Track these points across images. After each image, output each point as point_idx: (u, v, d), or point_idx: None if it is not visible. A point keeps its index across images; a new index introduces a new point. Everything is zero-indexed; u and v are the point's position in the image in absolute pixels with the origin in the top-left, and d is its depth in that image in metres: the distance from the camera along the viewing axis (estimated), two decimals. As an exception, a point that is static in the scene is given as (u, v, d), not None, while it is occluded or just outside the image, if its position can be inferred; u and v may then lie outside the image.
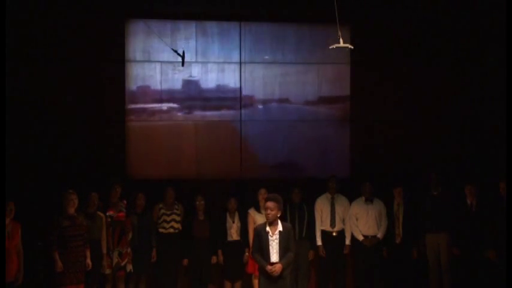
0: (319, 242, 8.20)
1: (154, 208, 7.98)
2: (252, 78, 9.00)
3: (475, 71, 8.87)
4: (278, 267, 5.99)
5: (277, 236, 6.06)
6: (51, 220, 7.00)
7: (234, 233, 8.03)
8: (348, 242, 8.24)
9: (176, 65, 8.64)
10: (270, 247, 6.04)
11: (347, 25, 8.56)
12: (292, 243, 6.23)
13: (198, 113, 8.94)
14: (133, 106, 8.84)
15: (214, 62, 8.96)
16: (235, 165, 8.91)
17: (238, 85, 8.97)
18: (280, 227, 6.09)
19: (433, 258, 8.03)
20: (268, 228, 6.08)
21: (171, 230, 7.93)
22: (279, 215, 6.13)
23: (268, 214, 6.06)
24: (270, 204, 6.07)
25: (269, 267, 5.99)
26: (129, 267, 7.64)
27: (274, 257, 6.03)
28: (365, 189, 8.25)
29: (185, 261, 7.98)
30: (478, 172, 8.37)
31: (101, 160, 8.46)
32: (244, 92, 8.99)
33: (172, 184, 8.13)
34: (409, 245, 8.09)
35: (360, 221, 8.19)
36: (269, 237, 6.05)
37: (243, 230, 8.03)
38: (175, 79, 8.90)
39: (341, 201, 8.31)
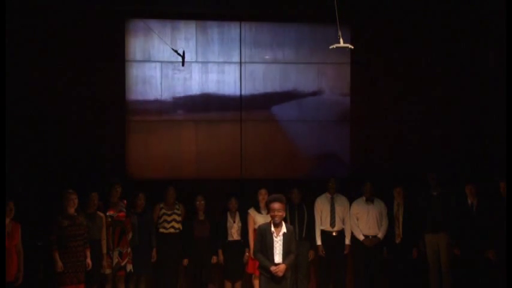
0: (318, 242, 8.21)
1: (155, 208, 7.98)
2: (252, 78, 9.00)
3: (475, 71, 8.87)
4: (282, 268, 6.00)
5: (281, 238, 6.06)
6: (51, 220, 7.00)
7: (234, 233, 8.03)
8: (347, 241, 8.25)
9: (176, 65, 8.64)
10: (274, 248, 6.04)
11: (347, 25, 8.57)
12: (294, 245, 6.23)
13: (198, 113, 8.93)
14: (133, 106, 8.84)
15: (214, 62, 8.96)
16: (235, 165, 8.90)
17: (238, 85, 8.97)
18: (284, 229, 6.09)
19: (433, 258, 8.03)
20: (273, 229, 6.07)
21: (172, 230, 7.93)
22: (284, 216, 6.13)
23: (276, 215, 6.03)
24: (277, 205, 6.05)
25: (273, 267, 5.99)
26: (129, 267, 7.64)
27: (277, 258, 6.04)
28: (366, 189, 8.25)
29: (185, 261, 7.98)
30: (478, 172, 8.37)
31: (101, 160, 8.47)
32: (244, 92, 8.99)
33: (173, 184, 8.13)
34: (409, 245, 8.10)
35: (361, 221, 8.20)
36: (274, 238, 6.05)
37: (244, 230, 8.03)
38: (175, 79, 8.90)
39: (341, 201, 8.32)
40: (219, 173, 8.84)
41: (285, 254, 6.05)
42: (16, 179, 7.43)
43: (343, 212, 8.27)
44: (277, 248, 6.04)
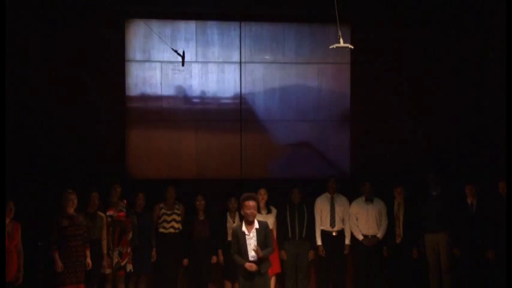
0: (319, 242, 8.20)
1: (155, 208, 7.98)
2: (252, 78, 9.00)
3: (475, 71, 8.87)
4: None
5: (254, 234, 6.11)
6: (51, 220, 7.00)
7: (234, 233, 8.03)
8: (347, 241, 8.25)
9: (176, 65, 8.64)
10: (248, 246, 6.09)
11: (347, 25, 8.58)
12: (270, 239, 6.27)
13: (198, 113, 8.93)
14: (133, 106, 8.84)
15: (214, 62, 8.96)
16: (235, 165, 8.90)
17: (238, 85, 8.97)
18: (256, 225, 6.15)
19: (433, 258, 8.03)
20: (244, 228, 6.14)
21: (172, 230, 7.94)
22: (255, 214, 6.19)
23: (252, 213, 6.10)
24: (252, 203, 6.11)
25: (247, 264, 6.04)
26: (129, 267, 7.64)
27: (252, 255, 6.08)
28: (365, 189, 8.25)
29: (185, 261, 7.98)
30: (478, 172, 8.37)
31: (101, 160, 8.46)
32: (244, 92, 8.99)
33: (173, 184, 8.13)
34: (409, 245, 8.09)
35: (360, 220, 8.20)
36: (246, 236, 6.11)
37: (243, 230, 8.03)
38: (175, 79, 8.90)
39: (341, 201, 8.32)
40: (219, 173, 8.85)
41: (260, 249, 6.07)
42: (16, 179, 7.42)
43: (343, 212, 8.27)
44: (251, 245, 6.09)
